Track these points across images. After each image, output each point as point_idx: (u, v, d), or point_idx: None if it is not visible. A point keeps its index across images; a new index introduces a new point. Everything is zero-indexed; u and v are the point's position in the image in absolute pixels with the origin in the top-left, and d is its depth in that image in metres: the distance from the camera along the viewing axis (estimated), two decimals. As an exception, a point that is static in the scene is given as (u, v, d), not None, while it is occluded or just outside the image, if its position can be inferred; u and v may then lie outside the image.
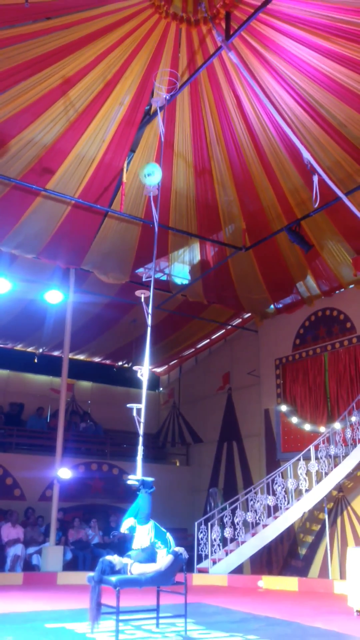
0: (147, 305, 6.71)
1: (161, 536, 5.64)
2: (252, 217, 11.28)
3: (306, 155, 7.73)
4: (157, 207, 7.18)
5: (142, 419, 6.19)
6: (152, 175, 7.09)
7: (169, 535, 5.71)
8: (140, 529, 5.65)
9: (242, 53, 8.30)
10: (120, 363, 18.43)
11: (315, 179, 7.63)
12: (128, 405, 6.28)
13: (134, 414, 6.16)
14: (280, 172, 10.18)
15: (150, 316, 6.68)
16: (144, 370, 6.45)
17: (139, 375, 6.52)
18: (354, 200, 8.85)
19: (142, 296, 6.74)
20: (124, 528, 5.74)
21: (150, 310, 6.71)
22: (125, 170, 9.74)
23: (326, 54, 8.03)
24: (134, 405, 6.20)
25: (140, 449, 6.08)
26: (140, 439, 6.14)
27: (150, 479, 5.83)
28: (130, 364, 17.96)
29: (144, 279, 7.70)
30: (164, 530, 5.71)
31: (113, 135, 9.52)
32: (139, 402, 6.32)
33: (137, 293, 6.91)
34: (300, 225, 10.72)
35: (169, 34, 8.26)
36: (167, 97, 7.89)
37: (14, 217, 10.66)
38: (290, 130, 8.08)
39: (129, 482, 5.88)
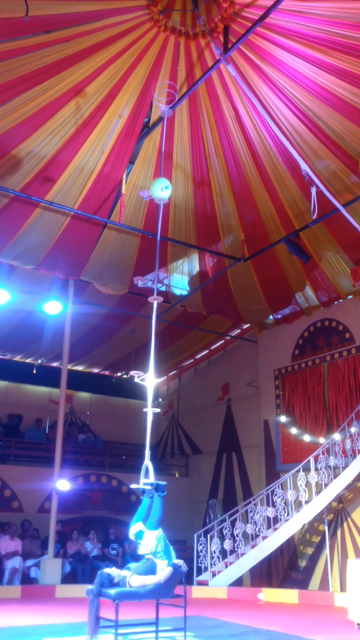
0: (155, 311, 6.77)
1: (166, 547, 5.61)
2: (250, 228, 11.32)
3: (304, 167, 7.78)
4: (159, 218, 7.21)
5: (150, 420, 6.21)
6: (168, 188, 7.15)
7: (171, 548, 5.68)
8: (148, 535, 5.61)
9: (240, 66, 8.37)
10: (119, 374, 18.40)
11: (313, 190, 7.67)
12: (145, 409, 6.29)
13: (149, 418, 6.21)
14: (279, 183, 10.23)
15: (154, 322, 6.73)
16: (149, 373, 6.44)
17: (136, 379, 6.52)
18: (352, 212, 8.91)
19: (155, 302, 6.76)
20: (132, 533, 5.70)
21: (154, 316, 6.76)
22: (124, 181, 9.80)
23: (324, 67, 8.09)
24: (149, 410, 6.21)
25: (147, 453, 6.06)
26: (147, 442, 6.13)
27: (162, 482, 5.79)
28: (129, 375, 17.94)
29: (139, 285, 7.72)
30: (168, 542, 5.68)
31: (112, 147, 9.57)
32: (139, 413, 6.34)
33: (150, 299, 6.92)
34: (298, 237, 10.77)
35: (168, 47, 8.33)
36: (169, 108, 7.94)
37: (13, 228, 10.69)
38: (288, 142, 8.13)
39: (140, 486, 5.82)
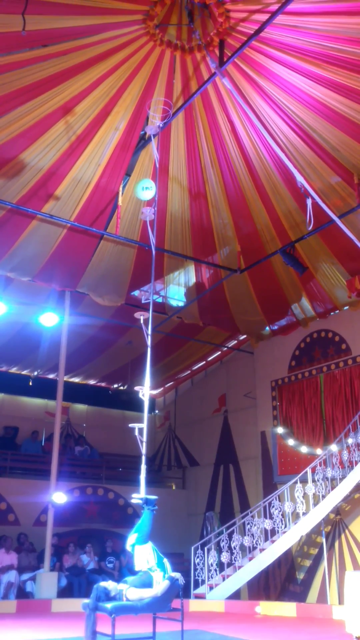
0: (147, 326, 6.76)
1: (159, 560, 5.58)
2: (246, 239, 11.37)
3: (299, 179, 7.84)
4: (154, 231, 7.25)
5: (145, 438, 6.17)
6: (150, 189, 7.19)
7: (165, 561, 5.65)
8: (138, 549, 5.59)
9: (236, 79, 8.44)
10: (115, 385, 18.35)
11: (309, 202, 7.72)
12: (130, 425, 6.24)
13: (136, 433, 6.13)
14: (274, 195, 10.29)
15: (150, 338, 6.72)
16: (145, 391, 6.44)
17: (140, 395, 6.52)
18: (347, 223, 8.96)
19: (142, 318, 6.76)
20: (128, 544, 5.71)
21: (150, 332, 6.75)
22: (120, 193, 9.85)
23: (318, 81, 8.17)
24: (136, 425, 6.15)
25: (143, 467, 6.05)
26: (143, 458, 6.11)
27: (153, 497, 5.81)
28: (126, 387, 17.89)
29: (143, 301, 7.84)
30: (161, 555, 5.66)
31: (109, 160, 9.62)
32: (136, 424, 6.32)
33: (137, 315, 6.92)
34: (294, 248, 10.82)
35: (164, 61, 8.41)
36: (161, 125, 8.03)
37: (10, 241, 10.70)
38: (283, 154, 8.19)
39: (133, 500, 5.85)
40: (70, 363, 13.86)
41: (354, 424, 11.72)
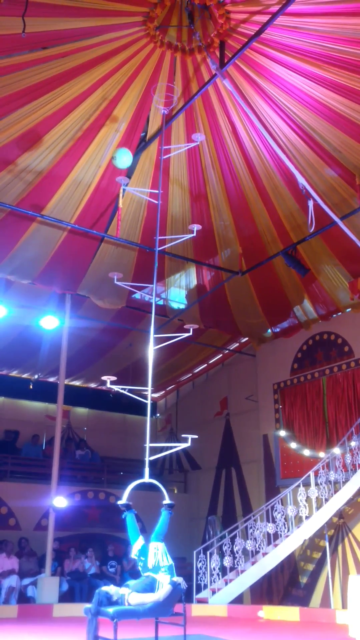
0: (119, 389, 6.75)
1: (169, 566, 5.58)
2: (248, 241, 11.32)
3: (301, 180, 7.80)
4: (157, 233, 7.23)
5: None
6: (117, 159, 7.32)
7: (172, 564, 5.65)
8: (153, 545, 5.62)
9: (236, 80, 8.42)
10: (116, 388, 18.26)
11: (311, 203, 7.69)
12: (183, 435, 6.33)
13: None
14: (275, 196, 10.25)
15: (152, 343, 6.67)
16: (148, 399, 6.44)
17: (108, 384, 6.54)
18: (349, 225, 8.91)
19: (108, 381, 6.77)
20: (134, 551, 5.70)
21: (151, 349, 6.72)
22: (121, 196, 9.79)
23: (319, 82, 8.15)
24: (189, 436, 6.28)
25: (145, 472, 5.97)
26: (146, 474, 6.05)
27: (127, 502, 6.05)
28: (126, 390, 17.78)
29: (139, 297, 7.92)
30: (172, 560, 5.66)
31: (109, 161, 9.59)
32: (137, 428, 6.33)
33: (104, 378, 6.96)
34: (296, 250, 10.76)
35: (164, 62, 8.38)
36: (165, 111, 8.03)
37: (10, 243, 10.68)
38: (284, 156, 8.16)
39: (164, 502, 6.05)
40: (70, 366, 13.81)
41: (357, 427, 11.66)
